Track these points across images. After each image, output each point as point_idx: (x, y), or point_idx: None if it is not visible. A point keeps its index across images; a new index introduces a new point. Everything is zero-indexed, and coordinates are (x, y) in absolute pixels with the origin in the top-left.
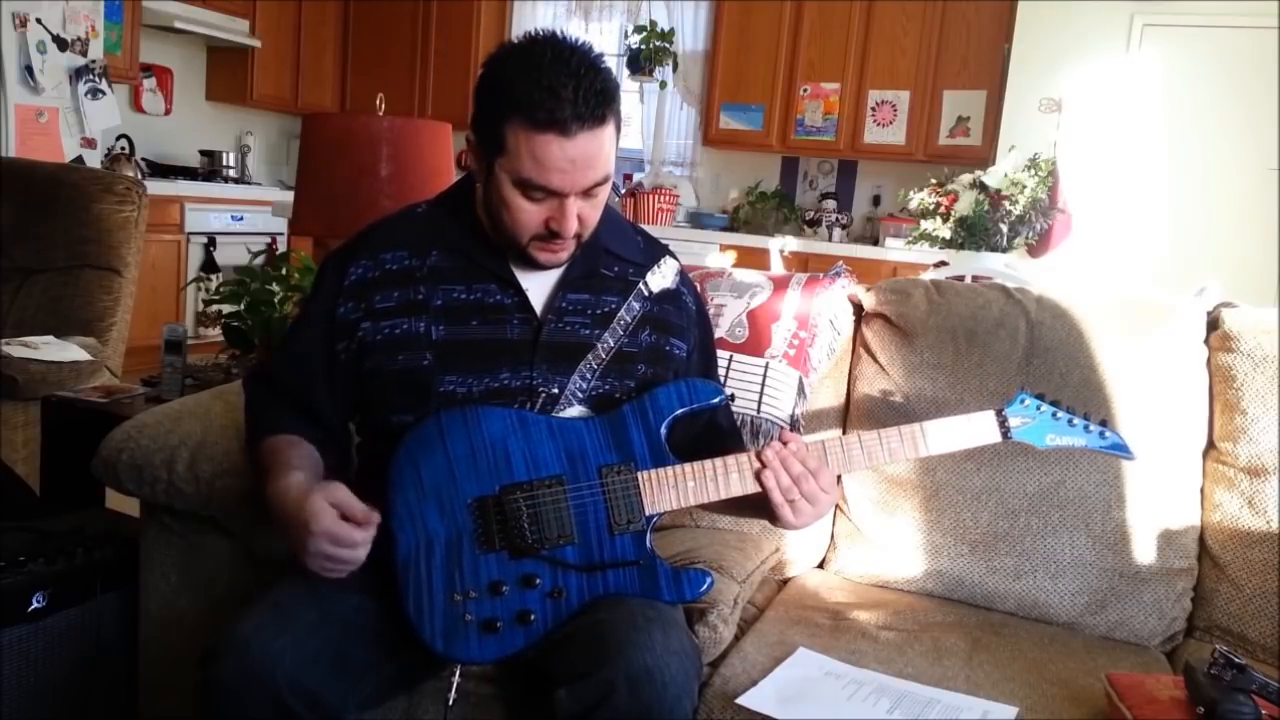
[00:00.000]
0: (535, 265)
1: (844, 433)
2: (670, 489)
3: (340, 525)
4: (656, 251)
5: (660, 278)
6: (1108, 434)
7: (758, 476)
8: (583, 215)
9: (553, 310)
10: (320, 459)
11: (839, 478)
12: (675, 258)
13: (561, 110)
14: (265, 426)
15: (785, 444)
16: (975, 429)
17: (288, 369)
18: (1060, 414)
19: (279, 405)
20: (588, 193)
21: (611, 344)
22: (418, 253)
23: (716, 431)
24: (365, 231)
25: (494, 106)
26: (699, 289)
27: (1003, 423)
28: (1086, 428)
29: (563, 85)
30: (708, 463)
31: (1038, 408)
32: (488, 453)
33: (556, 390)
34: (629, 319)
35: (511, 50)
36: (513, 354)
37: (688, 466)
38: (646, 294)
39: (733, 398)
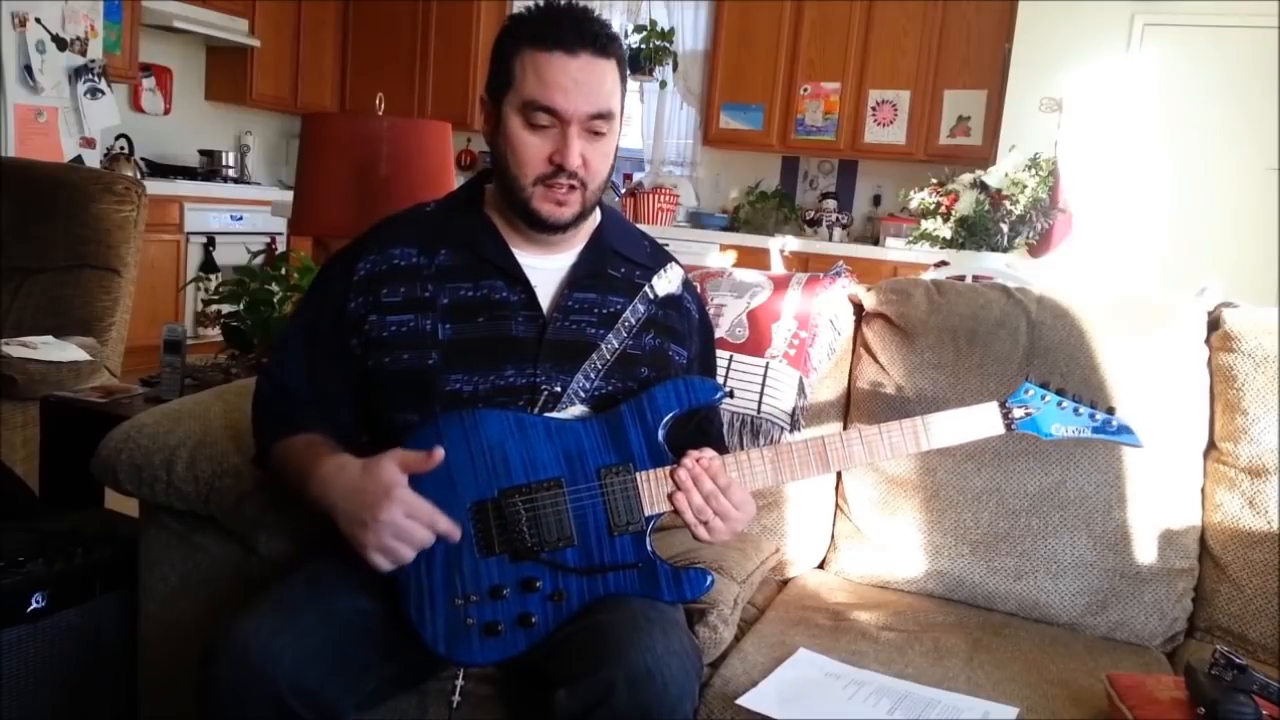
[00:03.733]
0: (541, 225)
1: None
2: (669, 489)
3: (418, 499)
4: (662, 257)
5: (666, 283)
6: (1115, 422)
7: (670, 498)
8: (587, 158)
9: (559, 309)
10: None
11: (838, 476)
12: (680, 265)
13: (567, 32)
14: (285, 426)
15: (698, 461)
16: (978, 421)
17: (296, 373)
18: (1066, 403)
19: (296, 407)
20: (593, 131)
21: (616, 345)
22: (426, 251)
23: (704, 434)
24: (373, 228)
25: (505, 49)
26: (699, 290)
27: (1006, 414)
28: (1093, 415)
29: (567, 13)
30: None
31: (1042, 397)
32: (486, 456)
33: (559, 389)
34: (634, 320)
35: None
36: (518, 351)
37: None
38: (652, 297)
39: (731, 393)
